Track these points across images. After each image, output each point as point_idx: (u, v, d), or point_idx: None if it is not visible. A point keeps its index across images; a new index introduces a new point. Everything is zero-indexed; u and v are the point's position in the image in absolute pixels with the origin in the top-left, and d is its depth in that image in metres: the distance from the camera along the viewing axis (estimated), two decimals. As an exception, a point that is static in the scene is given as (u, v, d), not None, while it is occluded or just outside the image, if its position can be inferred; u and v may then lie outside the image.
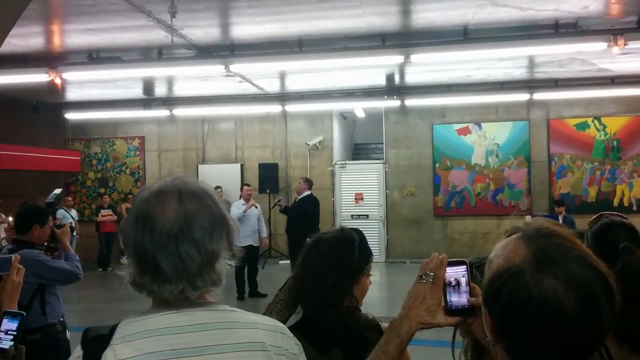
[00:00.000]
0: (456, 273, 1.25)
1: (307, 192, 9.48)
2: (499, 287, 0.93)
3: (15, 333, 1.73)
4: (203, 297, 1.25)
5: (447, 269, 1.24)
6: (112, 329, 1.20)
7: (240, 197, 9.95)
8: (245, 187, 9.92)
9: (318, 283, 1.85)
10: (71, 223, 3.79)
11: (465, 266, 1.26)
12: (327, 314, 1.83)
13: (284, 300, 2.08)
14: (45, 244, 3.85)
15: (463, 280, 1.24)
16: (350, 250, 1.94)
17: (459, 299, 1.23)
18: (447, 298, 1.23)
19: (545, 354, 0.90)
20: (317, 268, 1.89)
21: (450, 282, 1.24)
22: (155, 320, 1.20)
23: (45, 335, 3.65)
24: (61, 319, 3.84)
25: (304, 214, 9.16)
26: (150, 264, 1.18)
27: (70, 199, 12.84)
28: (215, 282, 1.23)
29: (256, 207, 9.64)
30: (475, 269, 1.37)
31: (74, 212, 12.48)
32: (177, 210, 1.20)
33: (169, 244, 1.18)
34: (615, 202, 12.07)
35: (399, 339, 1.25)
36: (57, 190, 4.23)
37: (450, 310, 1.23)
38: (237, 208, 9.46)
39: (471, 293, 1.23)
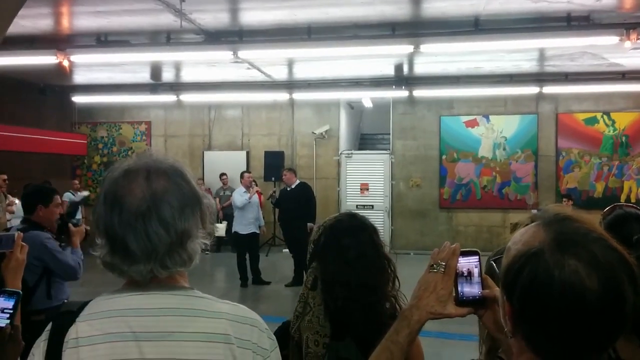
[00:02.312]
0: (468, 263, 1.22)
1: (297, 181, 9.57)
2: (517, 270, 0.90)
3: (11, 311, 1.71)
4: (175, 279, 1.23)
5: (459, 258, 1.22)
6: (82, 306, 1.21)
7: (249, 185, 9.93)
8: (245, 174, 9.80)
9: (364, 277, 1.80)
10: (87, 228, 3.73)
11: (477, 256, 1.23)
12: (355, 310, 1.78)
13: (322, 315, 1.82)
14: (56, 235, 3.83)
15: (475, 271, 1.22)
16: (377, 237, 1.92)
17: (470, 289, 1.21)
18: (459, 288, 1.21)
19: (567, 341, 0.87)
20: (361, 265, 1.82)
21: (462, 272, 1.21)
22: (121, 300, 1.20)
23: (49, 316, 3.66)
24: (65, 301, 3.85)
25: (304, 201, 9.22)
26: (119, 245, 1.17)
27: (77, 182, 12.89)
28: (186, 262, 1.21)
29: (261, 194, 9.67)
30: (494, 262, 1.35)
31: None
32: (144, 189, 1.18)
33: (137, 223, 1.16)
34: (623, 198, 11.99)
35: (409, 328, 1.22)
36: (85, 193, 4.17)
37: (461, 301, 1.21)
38: (239, 195, 9.46)
39: (483, 284, 1.21)
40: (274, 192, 10.36)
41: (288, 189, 9.52)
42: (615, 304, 0.85)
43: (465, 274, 1.21)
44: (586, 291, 0.84)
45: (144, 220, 1.16)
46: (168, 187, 1.20)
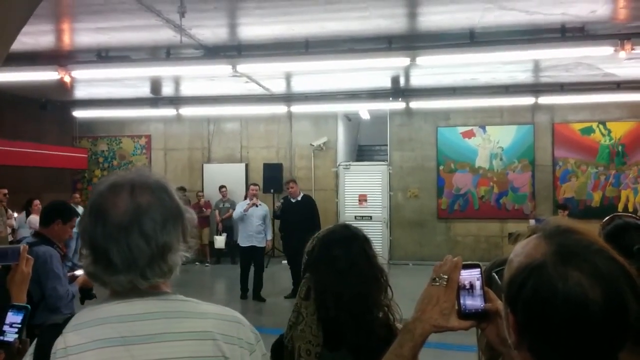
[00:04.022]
0: (470, 276, 1.22)
1: (301, 193, 9.57)
2: (521, 282, 0.91)
3: (19, 326, 1.72)
4: (157, 286, 1.27)
5: (461, 271, 1.22)
6: (68, 318, 1.25)
7: (246, 196, 9.87)
8: (251, 187, 9.76)
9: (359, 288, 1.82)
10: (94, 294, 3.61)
11: (479, 269, 1.23)
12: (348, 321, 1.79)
13: (316, 323, 1.84)
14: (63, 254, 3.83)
15: (477, 284, 1.22)
16: (371, 249, 1.93)
17: (473, 302, 1.21)
18: (461, 301, 1.21)
19: (572, 351, 0.88)
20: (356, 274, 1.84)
21: (464, 286, 1.22)
22: (106, 309, 1.23)
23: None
24: (69, 315, 3.84)
25: (309, 214, 9.16)
26: (101, 255, 1.22)
27: (77, 195, 12.95)
28: (165, 274, 1.26)
29: (257, 206, 9.36)
30: (496, 274, 1.35)
31: (81, 209, 12.57)
32: (128, 203, 1.22)
33: (119, 236, 1.20)
34: (620, 207, 12.04)
35: (413, 342, 1.22)
36: None
37: (464, 314, 1.20)
38: (240, 207, 9.49)
39: (485, 297, 1.21)
40: (281, 203, 10.30)
41: (293, 200, 9.43)
42: (618, 314, 0.86)
43: (468, 286, 1.21)
44: (589, 302, 0.85)
45: (126, 233, 1.20)
46: (152, 201, 1.24)
